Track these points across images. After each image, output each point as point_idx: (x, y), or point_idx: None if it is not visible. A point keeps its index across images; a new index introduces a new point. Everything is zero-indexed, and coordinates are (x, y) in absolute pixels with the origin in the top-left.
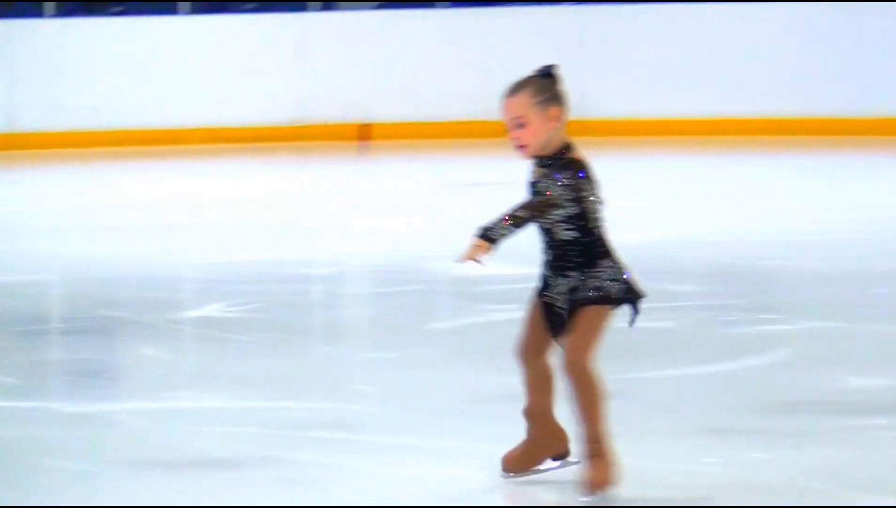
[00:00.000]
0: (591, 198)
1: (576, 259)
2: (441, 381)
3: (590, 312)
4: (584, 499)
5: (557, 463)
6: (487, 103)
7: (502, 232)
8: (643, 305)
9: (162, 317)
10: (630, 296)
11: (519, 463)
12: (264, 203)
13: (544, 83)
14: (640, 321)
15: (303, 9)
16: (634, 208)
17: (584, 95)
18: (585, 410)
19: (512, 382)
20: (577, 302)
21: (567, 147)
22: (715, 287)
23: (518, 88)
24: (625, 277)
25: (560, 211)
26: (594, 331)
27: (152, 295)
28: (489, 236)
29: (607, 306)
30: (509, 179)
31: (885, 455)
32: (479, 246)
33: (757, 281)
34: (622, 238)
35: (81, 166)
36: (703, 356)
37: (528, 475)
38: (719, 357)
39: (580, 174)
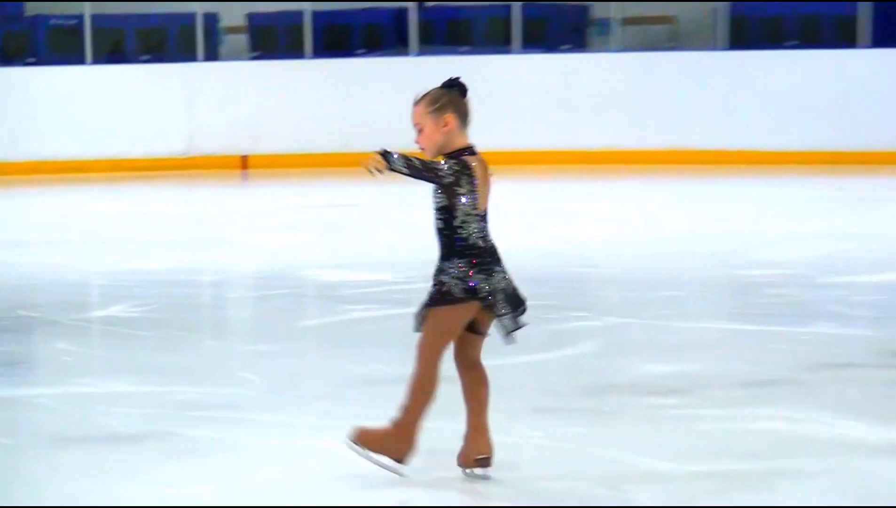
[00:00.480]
0: (463, 199)
1: (441, 249)
2: (312, 368)
3: (434, 313)
4: (347, 441)
5: (479, 470)
6: (345, 139)
7: (397, 163)
8: None
9: (73, 316)
10: (471, 297)
11: (459, 459)
12: (159, 222)
13: (440, 94)
14: None
15: (191, 59)
16: None
17: None
18: (410, 392)
19: (371, 369)
20: (426, 304)
21: (466, 150)
22: (539, 290)
23: (419, 98)
24: (470, 284)
25: (437, 198)
26: (434, 332)
27: (65, 298)
28: (387, 157)
29: (451, 305)
30: (363, 201)
31: (677, 427)
32: (378, 160)
33: (572, 285)
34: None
35: (3, 193)
36: (528, 348)
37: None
38: (541, 348)
39: (466, 172)
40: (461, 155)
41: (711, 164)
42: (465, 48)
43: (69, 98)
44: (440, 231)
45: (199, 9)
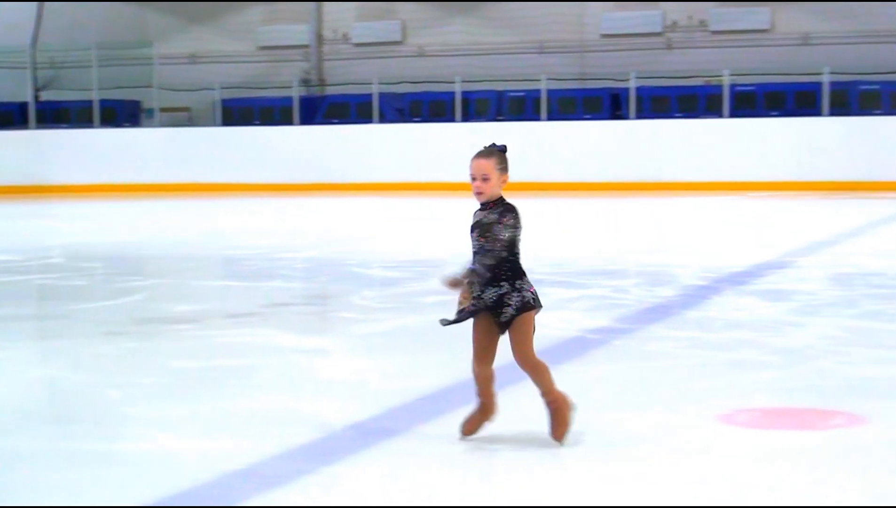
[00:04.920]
0: (519, 234)
1: (507, 272)
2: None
3: (523, 318)
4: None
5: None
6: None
7: (481, 271)
8: None
9: None
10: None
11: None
12: None
13: (503, 156)
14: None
15: None
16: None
17: (39, 172)
18: (539, 380)
19: (90, 307)
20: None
21: (501, 197)
22: (111, 263)
23: (485, 154)
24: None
25: (502, 234)
26: (528, 333)
27: None
28: (475, 271)
29: (532, 310)
30: (51, 215)
31: (194, 342)
32: (470, 278)
33: (126, 261)
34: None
35: None
36: (101, 297)
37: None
38: (108, 298)
39: (517, 215)
40: (502, 201)
41: (241, 191)
42: (65, 125)
43: None
44: (505, 259)
45: None
